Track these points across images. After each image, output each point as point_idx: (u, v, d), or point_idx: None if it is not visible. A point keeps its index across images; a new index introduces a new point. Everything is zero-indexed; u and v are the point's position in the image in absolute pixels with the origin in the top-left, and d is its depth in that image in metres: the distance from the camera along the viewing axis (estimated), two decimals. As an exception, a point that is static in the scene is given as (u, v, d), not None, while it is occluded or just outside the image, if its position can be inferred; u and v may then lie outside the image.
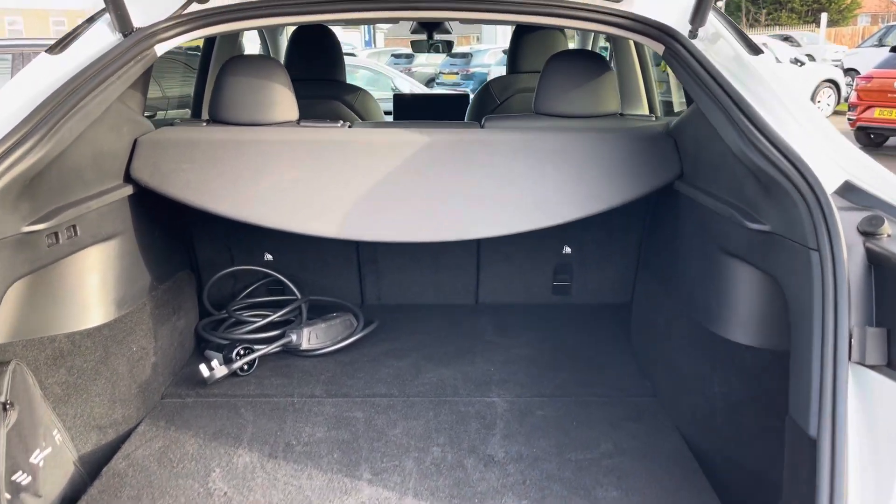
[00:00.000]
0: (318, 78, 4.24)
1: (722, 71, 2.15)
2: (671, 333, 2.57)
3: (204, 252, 3.22)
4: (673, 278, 2.66)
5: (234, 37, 4.45)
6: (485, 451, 2.27)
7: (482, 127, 2.80)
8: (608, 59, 4.60)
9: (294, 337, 2.89)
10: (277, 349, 2.89)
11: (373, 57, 20.43)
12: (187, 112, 4.49)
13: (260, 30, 4.92)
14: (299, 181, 2.55)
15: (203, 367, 2.63)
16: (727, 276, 2.14)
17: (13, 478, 1.85)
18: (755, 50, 2.28)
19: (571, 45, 4.98)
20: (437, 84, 20.18)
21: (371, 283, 3.39)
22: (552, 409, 2.52)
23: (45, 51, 2.28)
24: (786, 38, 25.03)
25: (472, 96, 5.14)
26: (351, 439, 2.33)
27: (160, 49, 2.39)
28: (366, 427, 2.40)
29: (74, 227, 2.15)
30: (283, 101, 2.75)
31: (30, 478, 1.91)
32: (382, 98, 5.69)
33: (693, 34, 2.35)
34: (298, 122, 2.79)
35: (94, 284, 2.29)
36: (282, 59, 4.65)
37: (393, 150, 2.59)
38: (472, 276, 3.38)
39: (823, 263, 1.58)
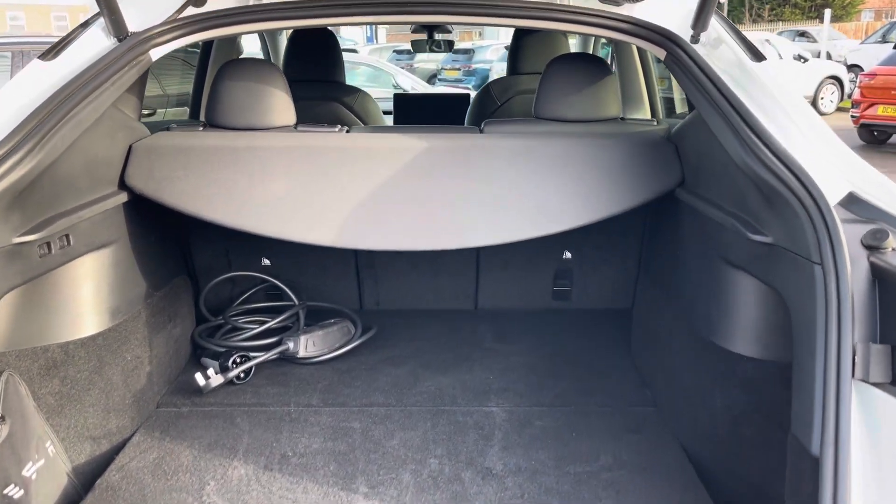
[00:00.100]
0: (318, 79, 4.21)
1: (724, 77, 2.12)
2: (672, 342, 2.54)
3: (201, 257, 3.19)
4: (673, 286, 2.63)
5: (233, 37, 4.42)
6: (483, 463, 2.24)
7: (481, 131, 2.77)
8: (610, 59, 4.56)
9: (291, 344, 2.87)
10: (274, 357, 2.86)
11: (374, 53, 20.39)
12: (186, 110, 4.46)
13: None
14: (296, 188, 2.53)
15: (199, 376, 2.60)
16: (729, 287, 2.11)
17: (5, 491, 1.83)
18: (758, 56, 2.24)
19: (572, 46, 4.94)
20: (439, 80, 20.13)
21: (369, 287, 3.36)
22: (551, 419, 2.50)
23: (38, 57, 2.25)
24: (802, 34, 24.90)
25: (473, 94, 5.11)
26: (347, 451, 2.30)
27: (155, 54, 2.36)
28: (363, 438, 2.38)
29: (67, 236, 2.12)
30: (280, 105, 2.72)
31: (22, 491, 1.89)
32: (382, 98, 5.66)
33: (695, 39, 2.32)
34: (296, 126, 2.76)
35: (88, 293, 2.27)
36: (281, 60, 4.63)
37: (391, 156, 2.56)
38: (472, 281, 3.36)
39: (827, 278, 1.55)
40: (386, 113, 5.12)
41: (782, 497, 1.69)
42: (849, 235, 1.59)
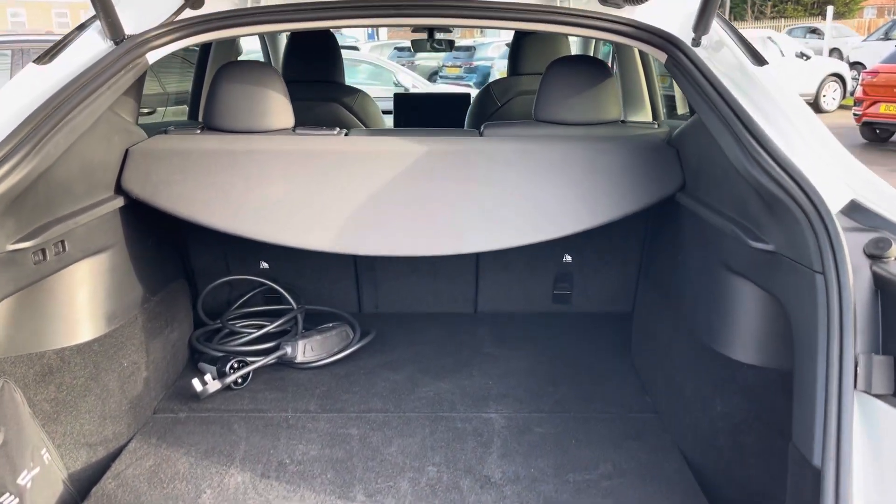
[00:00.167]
0: (317, 80, 4.19)
1: (725, 81, 2.10)
2: (672, 348, 2.52)
3: (199, 260, 3.17)
4: (674, 291, 2.61)
5: None
6: (481, 471, 2.23)
7: (481, 134, 2.75)
8: (611, 60, 4.54)
9: (289, 349, 2.85)
10: (272, 361, 2.84)
11: (375, 50, 20.38)
12: (185, 108, 4.44)
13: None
14: (293, 192, 2.51)
15: (196, 382, 2.58)
16: (730, 294, 2.09)
17: (0, 500, 1.81)
18: (760, 60, 2.22)
19: (573, 46, 4.92)
20: (441, 77, 20.11)
21: (369, 291, 3.35)
22: (551, 425, 2.48)
23: (34, 61, 2.23)
24: (813, 31, 24.78)
25: (474, 92, 5.08)
26: (345, 458, 2.29)
27: (152, 57, 2.34)
28: (360, 445, 2.36)
29: (62, 242, 2.11)
30: (278, 108, 2.70)
31: (17, 500, 1.87)
32: (383, 97, 5.64)
33: (696, 42, 2.29)
34: (294, 129, 2.75)
35: (84, 299, 2.25)
36: (281, 60, 4.61)
37: (389, 160, 2.55)
38: (472, 284, 3.34)
39: (829, 287, 1.54)
40: (386, 112, 5.11)
41: None
42: (851, 244, 1.57)
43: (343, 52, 4.54)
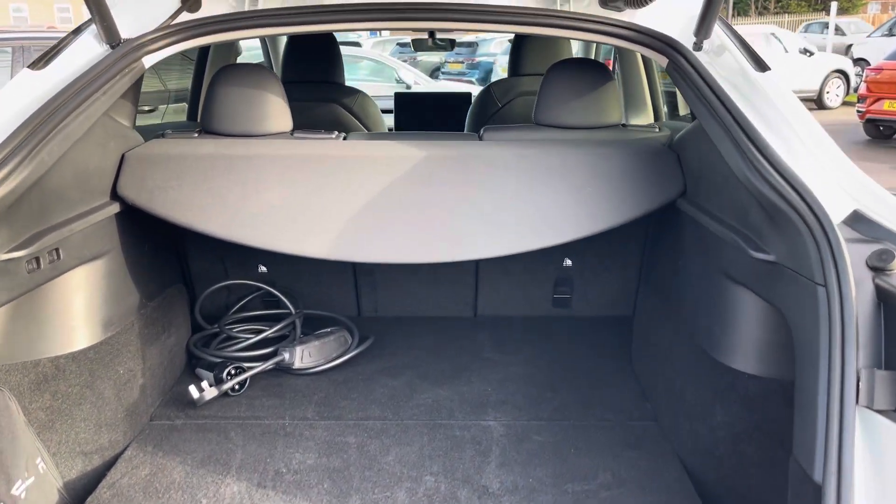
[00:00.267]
0: (317, 81, 4.17)
1: (726, 87, 2.07)
2: (672, 354, 2.50)
3: (197, 264, 3.15)
4: (674, 297, 2.59)
5: None
6: (479, 481, 2.21)
7: (480, 138, 2.72)
8: (612, 61, 4.51)
9: (287, 355, 2.83)
10: (270, 367, 2.82)
11: (378, 46, 20.32)
12: (184, 106, 4.42)
13: None
14: (291, 199, 2.48)
15: (193, 389, 2.57)
16: (730, 303, 2.07)
17: (-6, 511, 1.80)
18: (762, 66, 2.19)
19: (574, 47, 4.89)
20: (443, 73, 20.05)
21: (368, 294, 3.33)
22: (550, 434, 2.46)
23: (28, 66, 2.21)
24: (826, 26, 24.62)
25: (475, 90, 5.05)
26: (342, 467, 2.27)
27: (149, 61, 2.31)
28: (358, 454, 2.34)
29: (57, 250, 2.08)
30: (276, 111, 2.68)
31: (11, 510, 1.86)
32: (383, 96, 5.62)
33: (697, 46, 2.27)
34: (292, 132, 2.72)
35: (79, 306, 2.23)
36: (280, 61, 4.58)
37: (388, 164, 2.52)
38: (471, 288, 3.32)
39: (830, 300, 1.51)
40: (387, 112, 5.08)
41: None
42: (853, 256, 1.54)
43: (345, 48, 4.50)
